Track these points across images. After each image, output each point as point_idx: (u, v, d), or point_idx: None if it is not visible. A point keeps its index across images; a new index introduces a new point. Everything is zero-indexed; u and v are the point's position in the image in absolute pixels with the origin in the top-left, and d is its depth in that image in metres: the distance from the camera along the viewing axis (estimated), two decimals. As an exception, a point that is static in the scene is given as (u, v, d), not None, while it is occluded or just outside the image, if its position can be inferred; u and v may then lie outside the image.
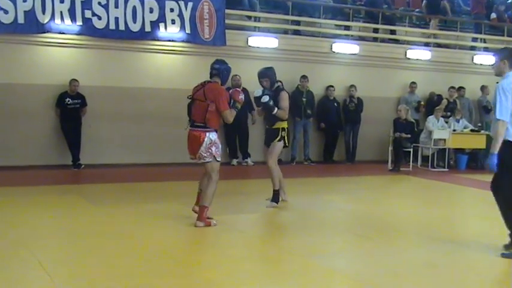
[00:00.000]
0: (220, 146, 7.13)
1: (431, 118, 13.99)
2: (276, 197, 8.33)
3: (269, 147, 8.43)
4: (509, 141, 6.05)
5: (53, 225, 7.13)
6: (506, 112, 6.00)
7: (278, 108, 8.20)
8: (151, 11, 12.30)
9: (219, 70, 7.17)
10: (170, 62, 13.11)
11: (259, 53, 13.76)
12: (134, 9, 12.12)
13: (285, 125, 8.40)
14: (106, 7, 11.91)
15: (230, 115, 7.10)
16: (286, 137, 8.40)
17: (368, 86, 15.00)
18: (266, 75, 8.37)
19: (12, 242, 6.26)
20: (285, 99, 8.31)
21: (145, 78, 12.88)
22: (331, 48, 14.49)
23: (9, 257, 5.73)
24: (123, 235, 6.69)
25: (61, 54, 12.20)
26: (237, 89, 8.37)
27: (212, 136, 6.98)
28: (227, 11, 13.18)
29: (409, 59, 15.45)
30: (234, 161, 13.27)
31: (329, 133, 14.50)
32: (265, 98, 8.08)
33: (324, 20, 14.90)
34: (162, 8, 12.37)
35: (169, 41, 12.70)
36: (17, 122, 11.85)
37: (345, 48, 14.60)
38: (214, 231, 7.00)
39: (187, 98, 7.31)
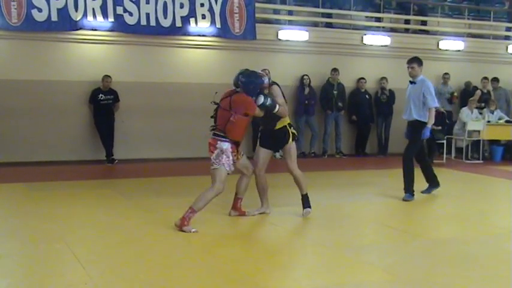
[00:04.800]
0: (231, 158, 6.72)
1: (465, 109, 13.79)
2: (307, 202, 7.52)
3: (278, 151, 7.89)
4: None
5: (87, 219, 7.22)
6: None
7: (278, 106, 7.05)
8: (181, 6, 12.37)
9: (245, 85, 6.74)
10: (201, 56, 13.18)
11: (289, 46, 13.75)
12: (165, 4, 12.21)
13: (287, 120, 7.28)
14: (137, 3, 12.03)
15: (260, 112, 6.88)
16: (291, 133, 7.28)
17: (400, 77, 14.75)
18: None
19: (49, 235, 6.37)
20: (278, 94, 7.13)
21: (176, 73, 12.96)
22: (362, 40, 14.41)
23: (45, 250, 5.84)
24: (157, 229, 6.74)
25: (93, 51, 12.36)
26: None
27: (224, 145, 6.70)
28: (257, 4, 13.21)
29: (441, 49, 15.26)
30: (277, 155, 13.21)
31: (361, 126, 14.41)
32: (261, 99, 6.81)
33: (355, 11, 14.79)
34: (192, 3, 12.45)
35: (200, 35, 12.77)
36: (51, 118, 12.05)
37: (376, 40, 14.49)
38: (245, 225, 7.02)
39: (213, 103, 6.91)
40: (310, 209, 7.47)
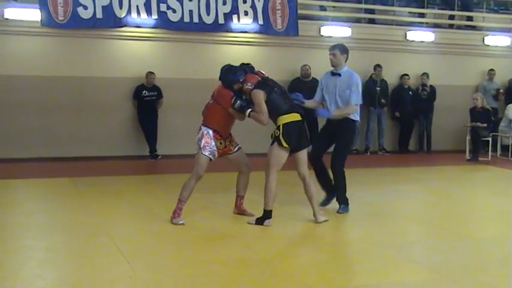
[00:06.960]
0: (213, 143, 6.91)
1: (511, 106, 13.51)
2: (262, 218, 6.72)
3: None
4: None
5: (131, 214, 7.33)
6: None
7: (252, 111, 6.76)
8: (224, 3, 12.41)
9: (220, 79, 7.18)
10: (243, 53, 13.18)
11: (332, 42, 13.53)
12: (208, 1, 12.26)
13: (282, 121, 6.63)
14: (180, 0, 12.10)
15: (235, 113, 6.94)
16: (281, 136, 6.57)
17: (444, 74, 14.67)
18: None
19: (94, 230, 6.48)
20: (256, 101, 6.70)
21: (219, 70, 12.98)
22: (406, 37, 14.23)
23: (91, 244, 5.94)
24: (200, 224, 6.79)
25: (137, 48, 12.51)
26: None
27: (204, 130, 6.95)
28: (299, 0, 13.13)
29: (487, 45, 14.98)
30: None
31: (404, 122, 14.26)
32: (235, 101, 6.87)
33: (398, 7, 14.65)
34: (235, 0, 12.46)
35: (243, 32, 12.79)
36: (96, 114, 12.25)
37: (420, 36, 14.30)
38: (282, 222, 6.94)
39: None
40: (261, 225, 6.66)
